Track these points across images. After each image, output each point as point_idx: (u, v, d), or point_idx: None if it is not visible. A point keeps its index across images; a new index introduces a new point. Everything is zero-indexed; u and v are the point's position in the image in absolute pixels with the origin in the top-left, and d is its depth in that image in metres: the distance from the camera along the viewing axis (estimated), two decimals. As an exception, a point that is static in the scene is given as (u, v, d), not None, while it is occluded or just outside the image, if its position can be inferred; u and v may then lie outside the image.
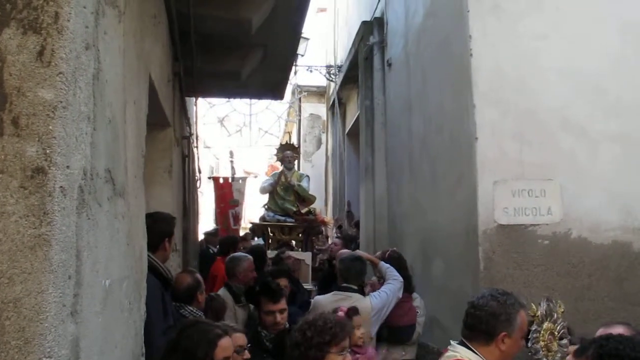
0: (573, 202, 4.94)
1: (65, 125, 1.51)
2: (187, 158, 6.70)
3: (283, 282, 5.14)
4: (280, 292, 4.12)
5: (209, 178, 13.42)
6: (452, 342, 2.57)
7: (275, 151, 10.76)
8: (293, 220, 9.54)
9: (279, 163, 10.83)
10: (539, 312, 2.45)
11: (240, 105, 14.07)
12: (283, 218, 9.55)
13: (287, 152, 10.11)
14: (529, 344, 2.46)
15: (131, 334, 2.46)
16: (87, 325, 1.68)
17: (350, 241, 8.94)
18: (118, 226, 2.12)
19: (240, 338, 3.15)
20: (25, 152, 1.46)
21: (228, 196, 11.80)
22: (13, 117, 1.46)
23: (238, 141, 16.59)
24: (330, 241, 9.87)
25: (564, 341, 2.43)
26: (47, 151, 1.46)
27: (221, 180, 12.31)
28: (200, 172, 11.27)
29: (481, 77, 5.06)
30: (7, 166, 1.45)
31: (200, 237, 10.76)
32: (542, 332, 2.42)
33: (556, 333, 2.44)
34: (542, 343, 2.40)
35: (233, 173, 17.15)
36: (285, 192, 9.68)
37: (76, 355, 1.58)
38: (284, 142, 11.44)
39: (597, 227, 4.95)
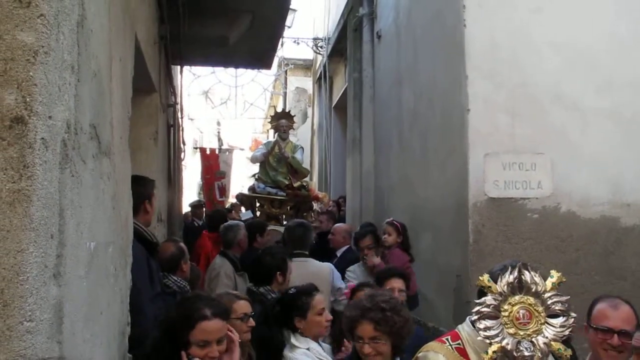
0: (563, 176, 4.92)
1: (47, 73, 1.39)
2: (172, 127, 6.56)
3: (397, 284, 4.05)
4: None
5: (195, 148, 13.13)
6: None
7: (261, 122, 10.49)
8: (284, 194, 8.96)
9: (263, 137, 10.53)
10: (503, 282, 2.08)
11: (225, 77, 13.88)
12: (274, 191, 8.97)
13: (282, 121, 9.39)
14: (471, 318, 2.18)
15: (117, 301, 2.37)
16: (71, 289, 1.58)
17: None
18: (103, 187, 2.01)
19: (245, 306, 3.12)
20: (3, 99, 1.33)
21: (214, 167, 11.56)
22: (-11, 61, 1.34)
23: (223, 113, 16.38)
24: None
25: (558, 320, 2.07)
26: (28, 99, 1.34)
27: (207, 151, 12.11)
28: (184, 144, 11.10)
29: (474, 48, 4.99)
30: (-17, 115, 1.33)
31: (185, 209, 10.62)
32: (504, 306, 2.06)
33: (540, 309, 2.06)
34: (504, 319, 2.05)
35: (220, 144, 16.86)
36: (277, 163, 9.03)
37: (59, 321, 1.49)
38: (271, 115, 10.95)
39: (586, 202, 4.95)
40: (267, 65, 8.35)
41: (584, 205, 4.94)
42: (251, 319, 3.11)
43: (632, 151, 4.97)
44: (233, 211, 9.61)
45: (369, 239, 5.32)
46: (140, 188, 3.36)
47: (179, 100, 8.03)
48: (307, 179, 9.77)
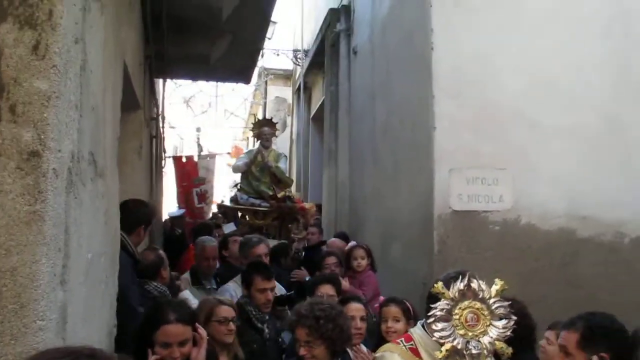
0: (523, 190, 5.22)
1: (58, 113, 1.67)
2: (154, 138, 6.79)
3: (327, 289, 4.22)
4: (271, 271, 4.28)
5: (169, 157, 12.83)
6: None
7: (241, 130, 10.32)
8: (268, 205, 8.55)
9: (243, 144, 10.41)
10: (454, 289, 2.34)
11: (206, 86, 14.06)
12: (258, 201, 8.60)
13: (265, 129, 8.99)
14: (426, 321, 2.42)
15: (106, 305, 2.63)
16: (73, 294, 1.85)
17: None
18: (98, 205, 2.28)
19: (225, 310, 3.37)
20: (21, 137, 1.62)
21: (193, 174, 11.37)
22: (10, 105, 1.62)
23: (203, 122, 16.60)
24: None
25: (502, 322, 2.34)
26: (42, 136, 1.63)
27: (184, 159, 11.92)
28: (165, 152, 11.17)
29: (441, 70, 5.27)
30: (5, 149, 1.61)
31: (165, 217, 10.67)
32: (456, 310, 2.32)
33: (486, 313, 2.34)
34: (455, 322, 2.32)
35: (200, 150, 16.91)
36: (260, 172, 8.67)
37: (64, 320, 1.76)
38: (252, 122, 10.60)
39: (544, 215, 5.25)
40: (246, 79, 8.57)
41: (543, 218, 5.25)
42: (231, 323, 3.35)
43: (588, 168, 5.30)
44: (219, 227, 8.94)
45: (334, 258, 5.36)
46: (142, 214, 3.70)
47: (160, 111, 8.23)
48: (290, 188, 9.44)
